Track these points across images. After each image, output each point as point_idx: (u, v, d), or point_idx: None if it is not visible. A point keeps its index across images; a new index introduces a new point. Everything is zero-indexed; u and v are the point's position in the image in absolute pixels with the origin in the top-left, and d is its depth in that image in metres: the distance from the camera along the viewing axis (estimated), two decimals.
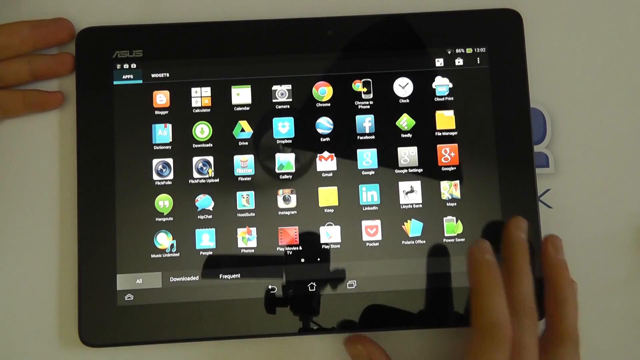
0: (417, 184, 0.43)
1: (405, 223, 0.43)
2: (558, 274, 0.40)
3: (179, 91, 0.43)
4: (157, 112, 0.43)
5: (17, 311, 0.43)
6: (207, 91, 0.43)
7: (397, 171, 0.43)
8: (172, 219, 0.42)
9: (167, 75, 0.43)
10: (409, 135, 0.43)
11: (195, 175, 0.43)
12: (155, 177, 0.43)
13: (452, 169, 0.43)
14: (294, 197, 0.43)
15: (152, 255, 0.42)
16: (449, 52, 0.44)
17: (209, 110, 0.43)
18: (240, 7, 0.45)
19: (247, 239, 0.42)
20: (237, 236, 0.42)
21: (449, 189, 0.43)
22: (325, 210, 0.43)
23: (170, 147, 0.43)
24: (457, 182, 0.43)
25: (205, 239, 0.42)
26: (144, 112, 0.43)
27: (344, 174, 0.43)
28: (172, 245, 0.42)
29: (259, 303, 0.42)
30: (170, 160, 0.43)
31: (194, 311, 0.41)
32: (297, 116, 0.43)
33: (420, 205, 0.43)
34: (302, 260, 0.42)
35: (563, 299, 0.39)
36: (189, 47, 0.44)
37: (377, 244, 0.42)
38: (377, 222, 0.43)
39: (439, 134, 0.43)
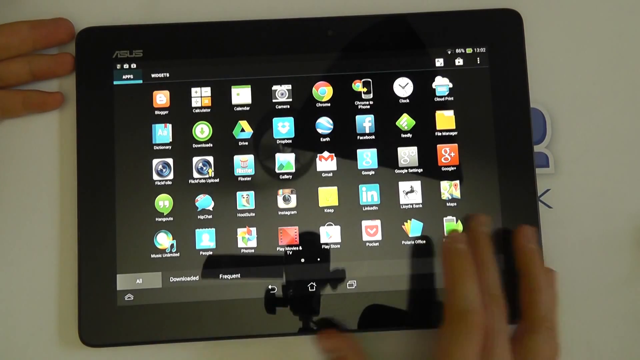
0: (417, 184, 0.43)
1: (405, 223, 0.43)
2: (530, 261, 0.40)
3: (179, 91, 0.43)
4: (157, 112, 0.43)
5: (17, 311, 0.43)
6: (207, 91, 0.43)
7: (397, 171, 0.43)
8: (172, 219, 0.42)
9: (167, 75, 0.43)
10: (409, 135, 0.43)
11: (195, 175, 0.43)
12: (155, 177, 0.43)
13: (452, 169, 0.43)
14: (294, 197, 0.43)
15: (152, 255, 0.42)
16: (449, 52, 0.44)
17: (209, 110, 0.43)
18: (240, 7, 0.45)
19: (247, 239, 0.42)
20: (237, 236, 0.42)
21: (449, 189, 0.43)
22: (325, 210, 0.43)
23: (170, 147, 0.43)
24: (457, 182, 0.43)
25: (205, 239, 0.42)
26: (144, 112, 0.43)
27: (344, 174, 0.43)
28: (172, 245, 0.42)
29: (259, 303, 0.42)
30: (170, 160, 0.43)
31: (194, 311, 0.41)
32: (297, 116, 0.43)
33: (420, 205, 0.43)
34: (302, 260, 0.42)
35: (536, 287, 0.39)
36: (189, 47, 0.44)
37: (377, 244, 0.42)
38: (377, 222, 0.43)
39: (439, 134, 0.43)
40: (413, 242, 0.42)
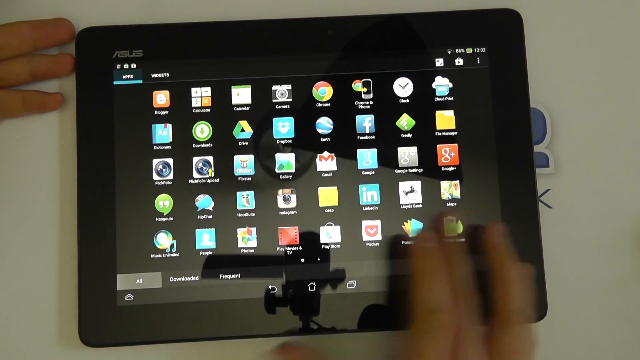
0: (417, 184, 0.43)
1: (405, 223, 0.43)
2: (499, 256, 0.40)
3: (179, 91, 0.43)
4: (157, 112, 0.43)
5: (17, 311, 0.43)
6: (207, 91, 0.43)
7: (397, 171, 0.43)
8: (172, 219, 0.42)
9: (167, 75, 0.43)
10: (409, 135, 0.43)
11: (195, 175, 0.43)
12: (155, 177, 0.43)
13: (452, 169, 0.43)
14: (294, 197, 0.43)
15: (152, 255, 0.42)
16: (449, 52, 0.44)
17: (209, 110, 0.43)
18: (240, 7, 0.45)
19: (247, 239, 0.42)
20: (237, 236, 0.42)
21: (449, 189, 0.43)
22: (325, 210, 0.43)
23: (170, 147, 0.43)
24: (457, 182, 0.43)
25: (205, 239, 0.42)
26: (144, 112, 0.43)
27: (344, 174, 0.43)
28: (172, 245, 0.42)
29: (259, 303, 0.42)
30: (170, 160, 0.43)
31: (194, 311, 0.41)
32: (297, 116, 0.43)
33: (420, 205, 0.43)
34: (302, 260, 0.42)
35: (506, 281, 0.39)
36: (189, 47, 0.44)
37: (377, 244, 0.42)
38: (377, 222, 0.43)
39: (439, 134, 0.43)
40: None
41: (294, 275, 0.42)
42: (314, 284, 0.42)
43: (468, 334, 0.36)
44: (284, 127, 0.43)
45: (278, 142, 0.43)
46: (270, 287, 0.42)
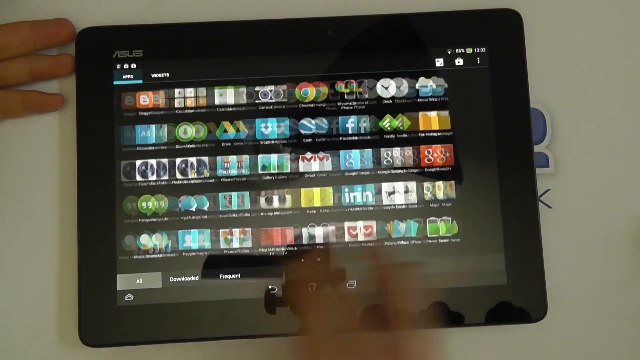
0: (412, 185, 0.43)
1: (388, 224, 0.43)
2: (382, 280, 0.40)
3: (178, 91, 0.43)
4: (157, 112, 0.43)
5: (17, 311, 0.43)
6: (202, 91, 0.43)
7: (392, 172, 0.43)
8: (167, 219, 0.42)
9: (167, 75, 0.43)
10: (399, 135, 0.43)
11: (193, 175, 0.43)
12: (153, 177, 0.43)
13: (448, 169, 0.43)
14: (289, 197, 0.43)
15: (152, 256, 0.42)
16: (449, 52, 0.44)
17: (204, 110, 0.43)
18: (240, 7, 0.45)
19: (243, 240, 0.42)
20: (236, 236, 0.42)
21: (432, 190, 0.43)
22: (321, 211, 0.43)
23: (166, 147, 0.43)
24: (453, 182, 0.43)
25: (203, 239, 0.42)
26: (144, 112, 0.43)
27: (334, 174, 0.43)
28: (168, 246, 0.42)
29: (259, 303, 0.42)
30: (166, 161, 0.43)
31: (194, 311, 0.41)
32: (279, 117, 0.43)
33: (416, 206, 0.43)
34: (302, 260, 0.42)
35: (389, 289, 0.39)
36: (189, 47, 0.44)
37: (360, 244, 0.42)
38: (373, 223, 0.43)
39: (428, 134, 0.43)
40: (408, 242, 0.42)
41: (294, 275, 0.42)
42: (314, 284, 0.42)
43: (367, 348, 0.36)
44: (267, 128, 0.43)
45: (261, 142, 0.43)
46: (270, 287, 0.42)
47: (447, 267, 0.42)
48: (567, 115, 0.45)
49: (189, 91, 0.43)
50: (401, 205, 0.43)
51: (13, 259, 0.43)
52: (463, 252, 0.42)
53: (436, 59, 0.44)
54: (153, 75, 0.43)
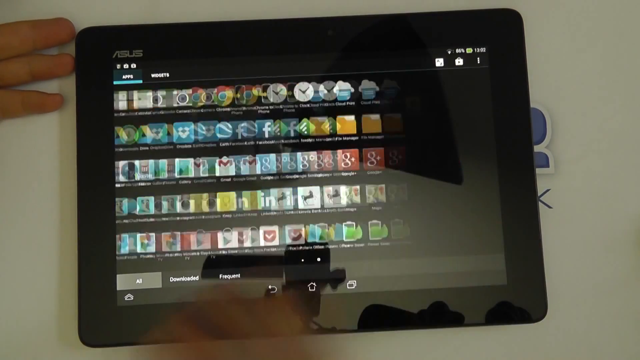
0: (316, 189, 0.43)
1: (303, 228, 0.42)
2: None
3: (179, 91, 0.43)
4: (156, 112, 0.43)
5: (17, 311, 0.43)
6: (202, 92, 0.43)
7: (296, 176, 0.43)
8: (168, 219, 0.42)
9: (167, 75, 0.43)
10: (310, 140, 0.43)
11: (192, 175, 0.43)
12: (151, 177, 0.43)
13: (353, 174, 0.43)
14: (192, 202, 0.42)
15: (152, 256, 0.42)
16: (449, 52, 0.44)
17: (202, 110, 0.43)
18: (240, 7, 0.45)
19: (243, 240, 0.42)
20: (236, 236, 0.42)
21: (349, 194, 0.43)
22: (223, 216, 0.42)
23: (164, 147, 0.43)
24: (358, 187, 0.43)
25: (202, 239, 0.42)
26: (144, 112, 0.43)
27: (242, 178, 0.43)
28: (171, 246, 0.42)
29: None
30: (165, 161, 0.43)
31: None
32: (196, 121, 0.43)
33: (319, 211, 0.43)
34: (302, 260, 0.42)
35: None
36: (189, 47, 0.44)
37: (275, 249, 0.42)
38: (275, 228, 0.42)
39: (339, 138, 0.43)
40: (401, 243, 0.42)
41: (294, 275, 0.42)
42: (314, 284, 0.42)
43: None
44: (184, 132, 0.43)
45: (177, 147, 0.43)
46: (270, 287, 0.42)
47: (446, 267, 0.42)
48: (567, 115, 0.45)
49: (189, 91, 0.43)
50: (343, 207, 0.43)
51: (13, 259, 0.43)
52: (414, 255, 0.42)
53: (436, 59, 0.44)
54: (153, 75, 0.43)
